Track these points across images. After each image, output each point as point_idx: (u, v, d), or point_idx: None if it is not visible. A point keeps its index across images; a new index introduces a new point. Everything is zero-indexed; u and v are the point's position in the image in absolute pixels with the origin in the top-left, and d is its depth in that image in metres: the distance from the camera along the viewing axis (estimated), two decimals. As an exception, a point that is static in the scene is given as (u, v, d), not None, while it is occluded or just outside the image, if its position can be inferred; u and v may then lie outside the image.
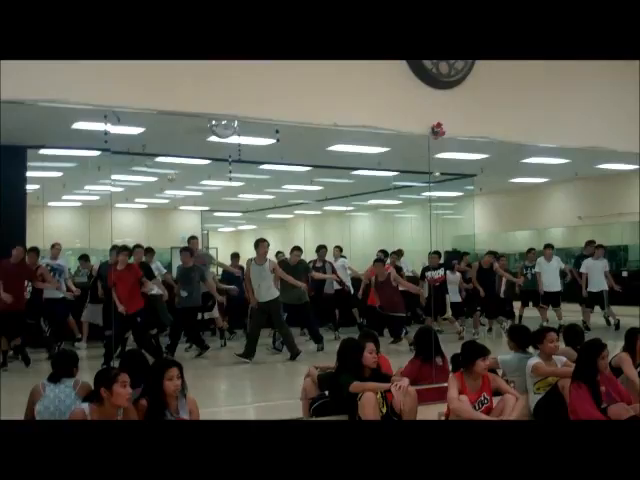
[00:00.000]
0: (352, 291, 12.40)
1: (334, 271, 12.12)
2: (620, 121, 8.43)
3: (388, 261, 11.30)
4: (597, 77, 8.33)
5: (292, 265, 10.76)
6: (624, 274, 14.98)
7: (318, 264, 11.90)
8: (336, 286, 12.27)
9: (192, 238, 11.31)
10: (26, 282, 9.57)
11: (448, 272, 12.04)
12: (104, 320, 9.75)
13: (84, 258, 11.79)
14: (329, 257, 12.28)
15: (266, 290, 9.92)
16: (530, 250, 13.29)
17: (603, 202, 15.48)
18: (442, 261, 12.03)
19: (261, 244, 10.03)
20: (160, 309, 10.45)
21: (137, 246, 10.20)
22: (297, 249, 11.01)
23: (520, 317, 12.73)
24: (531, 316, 12.63)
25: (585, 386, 5.70)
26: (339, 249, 12.92)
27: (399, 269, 11.50)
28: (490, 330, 12.71)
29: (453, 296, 12.21)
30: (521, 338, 6.69)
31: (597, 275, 12.67)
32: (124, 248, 9.40)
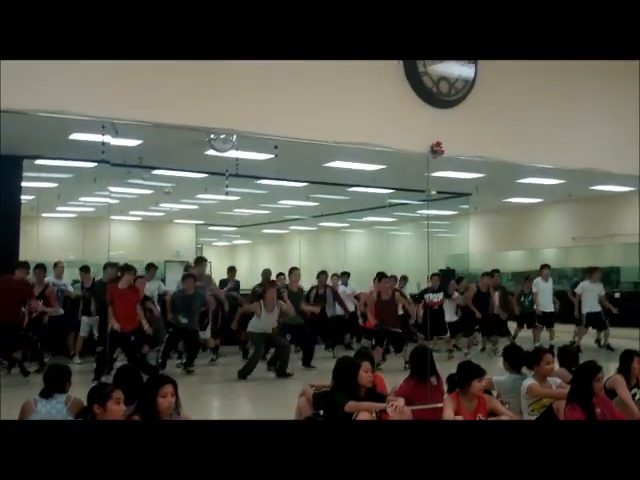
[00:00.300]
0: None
1: (336, 296, 12.30)
2: (616, 143, 8.46)
3: None
4: (595, 99, 8.37)
5: (294, 292, 10.89)
6: (617, 295, 15.03)
7: (320, 291, 12.01)
8: (339, 311, 12.44)
9: (201, 260, 11.39)
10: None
11: (446, 299, 12.20)
12: (99, 336, 9.72)
13: (85, 269, 11.70)
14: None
15: (271, 323, 10.09)
16: (527, 277, 13.38)
17: (596, 223, 15.57)
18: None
19: (269, 290, 10.10)
20: (156, 325, 10.40)
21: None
22: (296, 269, 11.13)
23: (514, 336, 12.75)
24: (524, 336, 12.67)
25: (580, 408, 5.66)
26: (337, 276, 12.99)
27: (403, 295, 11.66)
28: (483, 349, 12.71)
29: (449, 315, 12.31)
30: (515, 359, 6.64)
31: (592, 297, 12.70)
32: (128, 267, 9.37)
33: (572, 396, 5.79)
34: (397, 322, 10.76)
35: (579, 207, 15.68)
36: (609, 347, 12.35)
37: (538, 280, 12.88)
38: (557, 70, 7.55)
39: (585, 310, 12.67)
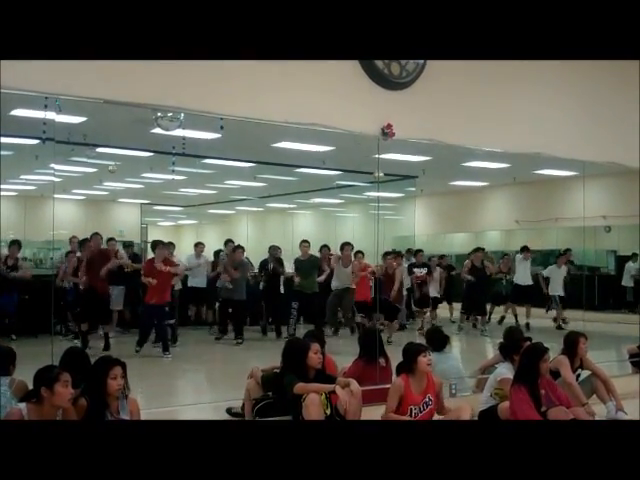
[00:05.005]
0: None
1: None
2: (562, 128, 8.59)
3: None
4: (543, 84, 8.47)
5: None
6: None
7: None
8: None
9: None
10: None
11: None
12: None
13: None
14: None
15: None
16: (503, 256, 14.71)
17: (540, 207, 15.81)
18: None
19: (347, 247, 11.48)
20: None
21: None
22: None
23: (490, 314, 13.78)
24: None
25: (525, 389, 5.77)
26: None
27: None
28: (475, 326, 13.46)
29: (433, 291, 13.28)
30: (436, 340, 7.19)
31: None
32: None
33: (518, 377, 5.89)
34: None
35: (523, 191, 15.89)
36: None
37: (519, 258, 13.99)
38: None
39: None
